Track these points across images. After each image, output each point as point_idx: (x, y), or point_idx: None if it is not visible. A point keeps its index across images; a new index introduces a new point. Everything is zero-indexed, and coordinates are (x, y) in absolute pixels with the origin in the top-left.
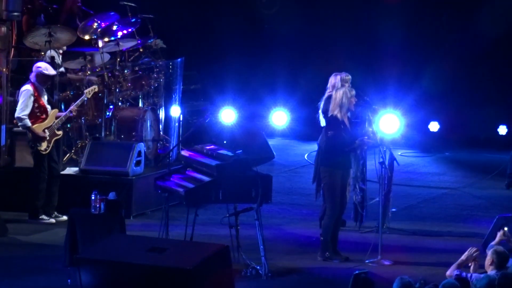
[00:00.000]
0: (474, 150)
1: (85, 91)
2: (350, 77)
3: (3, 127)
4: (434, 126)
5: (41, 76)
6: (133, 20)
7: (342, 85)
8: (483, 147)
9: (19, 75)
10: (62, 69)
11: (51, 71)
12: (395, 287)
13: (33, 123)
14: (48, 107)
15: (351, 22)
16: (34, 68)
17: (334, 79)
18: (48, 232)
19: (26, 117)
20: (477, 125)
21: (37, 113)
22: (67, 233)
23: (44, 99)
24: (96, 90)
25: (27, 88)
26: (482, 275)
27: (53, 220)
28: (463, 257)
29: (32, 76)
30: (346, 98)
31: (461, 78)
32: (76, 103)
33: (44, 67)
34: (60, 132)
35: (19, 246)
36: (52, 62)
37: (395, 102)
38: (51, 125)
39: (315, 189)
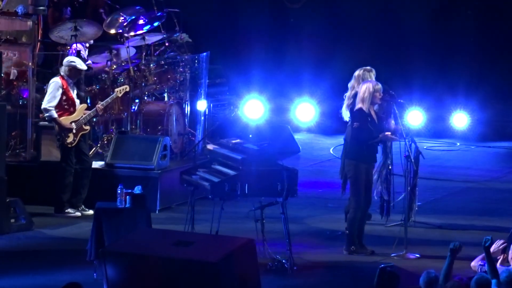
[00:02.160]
0: (500, 144)
1: (116, 89)
2: (374, 72)
3: (29, 121)
4: (459, 119)
5: (73, 70)
6: (159, 14)
7: (367, 79)
8: (509, 141)
9: (45, 69)
10: (89, 62)
11: (83, 65)
12: (422, 281)
13: (60, 115)
14: (77, 101)
15: (377, 15)
16: (65, 62)
17: (358, 75)
18: (73, 226)
19: (53, 108)
20: (503, 118)
21: (65, 106)
22: (93, 226)
23: (73, 93)
24: (128, 89)
25: (56, 80)
26: (504, 268)
27: (78, 214)
28: (491, 249)
29: (62, 69)
30: (368, 92)
31: (487, 71)
32: (106, 100)
33: (77, 61)
34: (88, 127)
35: (44, 239)
36: (78, 56)
37: (421, 96)
38: (79, 119)
39: (341, 183)
